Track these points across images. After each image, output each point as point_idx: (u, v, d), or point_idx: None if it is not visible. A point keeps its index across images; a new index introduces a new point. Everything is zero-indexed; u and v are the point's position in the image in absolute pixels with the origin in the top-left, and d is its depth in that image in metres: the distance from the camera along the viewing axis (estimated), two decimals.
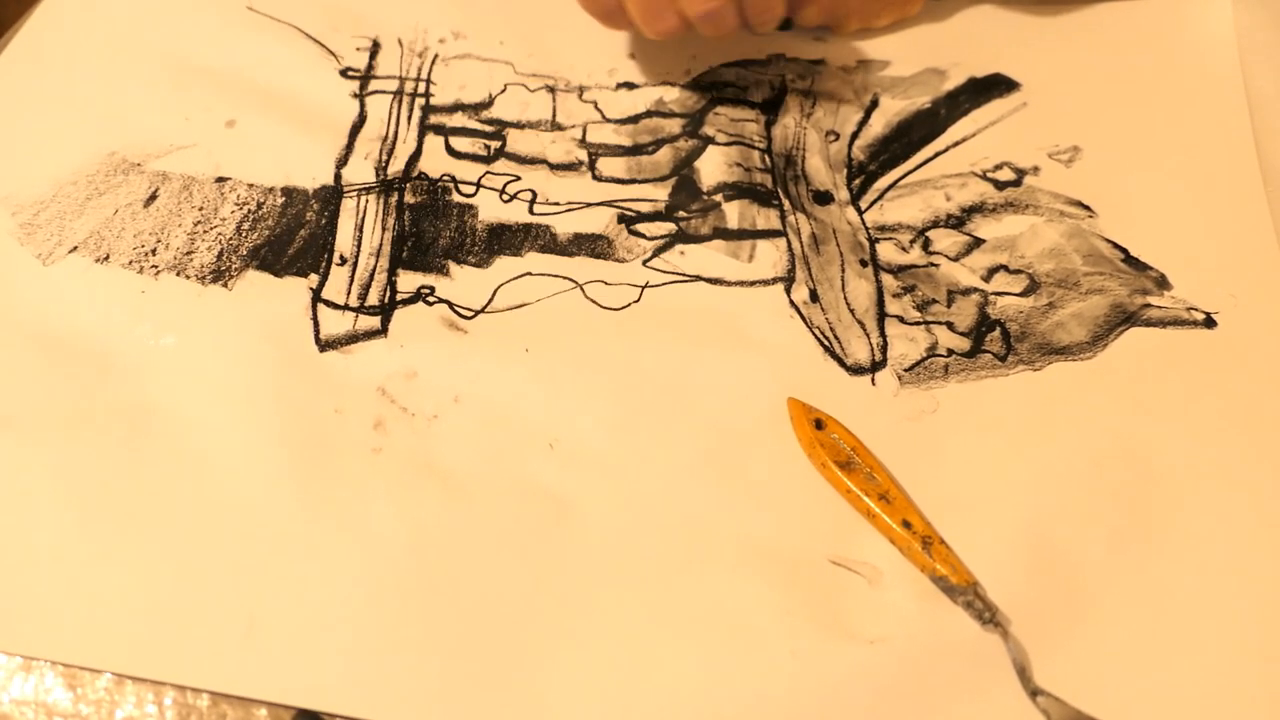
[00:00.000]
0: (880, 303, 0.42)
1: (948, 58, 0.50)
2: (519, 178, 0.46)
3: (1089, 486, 0.37)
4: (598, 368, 0.40)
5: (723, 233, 0.44)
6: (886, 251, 0.44)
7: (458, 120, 0.48)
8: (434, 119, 0.48)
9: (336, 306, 0.42)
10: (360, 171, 0.46)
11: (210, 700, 0.33)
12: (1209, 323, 0.41)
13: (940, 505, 0.37)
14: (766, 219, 0.45)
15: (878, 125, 0.48)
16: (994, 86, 0.49)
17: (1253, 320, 0.41)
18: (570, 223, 0.45)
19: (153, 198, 0.45)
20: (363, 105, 0.49)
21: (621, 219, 0.45)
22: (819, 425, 0.38)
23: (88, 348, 0.40)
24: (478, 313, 0.42)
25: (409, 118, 0.48)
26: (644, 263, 0.43)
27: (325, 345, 0.41)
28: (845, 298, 0.42)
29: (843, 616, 0.35)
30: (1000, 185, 0.46)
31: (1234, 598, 0.35)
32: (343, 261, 0.43)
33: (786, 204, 0.45)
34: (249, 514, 0.37)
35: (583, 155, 0.47)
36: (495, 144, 0.47)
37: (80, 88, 0.49)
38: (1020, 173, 0.46)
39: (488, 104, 0.49)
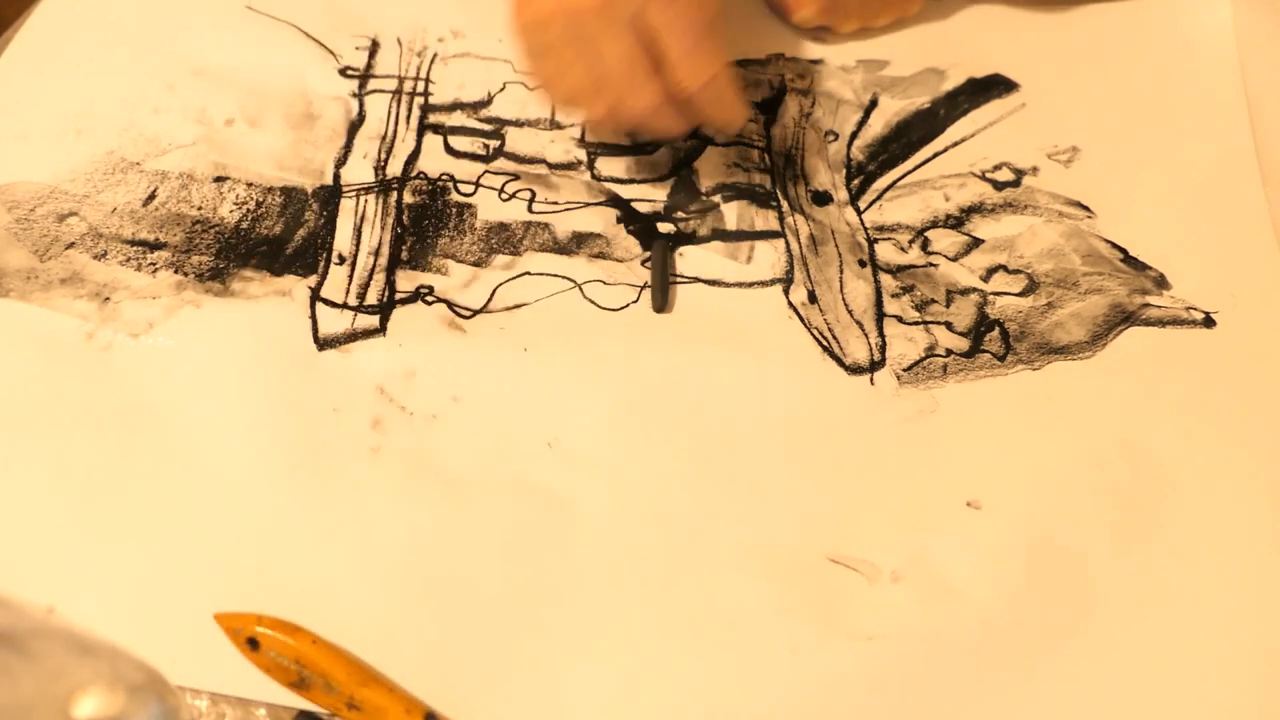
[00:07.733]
0: (879, 303, 0.42)
1: (947, 58, 0.50)
2: (518, 177, 0.46)
3: (1088, 486, 0.37)
4: (596, 368, 0.40)
5: (721, 234, 0.44)
6: (885, 252, 0.44)
7: (456, 119, 0.48)
8: (433, 118, 0.48)
9: (335, 305, 0.42)
10: (359, 171, 0.46)
11: (210, 700, 0.33)
12: (1208, 322, 0.41)
13: (940, 505, 0.37)
14: (765, 220, 0.45)
15: (877, 125, 0.48)
16: (993, 87, 0.49)
17: (1252, 320, 0.41)
18: (569, 222, 0.45)
19: (151, 197, 0.45)
20: (362, 104, 0.49)
21: (620, 219, 0.45)
22: (254, 645, 0.32)
23: (85, 347, 0.40)
24: (476, 312, 0.42)
25: (408, 117, 0.48)
26: (643, 263, 0.43)
27: (324, 344, 0.41)
28: (844, 298, 0.42)
29: (842, 614, 0.35)
30: (999, 185, 0.46)
31: (1234, 597, 0.35)
32: (341, 260, 0.43)
33: (785, 205, 0.45)
34: (247, 513, 0.36)
35: (581, 154, 0.47)
36: (494, 143, 0.47)
37: (79, 87, 0.48)
38: (1019, 173, 0.46)
39: (486, 103, 0.49)
